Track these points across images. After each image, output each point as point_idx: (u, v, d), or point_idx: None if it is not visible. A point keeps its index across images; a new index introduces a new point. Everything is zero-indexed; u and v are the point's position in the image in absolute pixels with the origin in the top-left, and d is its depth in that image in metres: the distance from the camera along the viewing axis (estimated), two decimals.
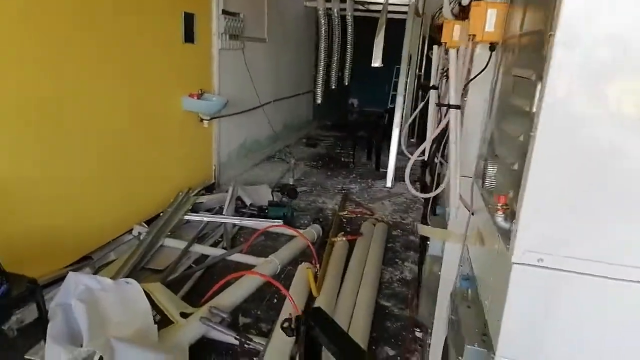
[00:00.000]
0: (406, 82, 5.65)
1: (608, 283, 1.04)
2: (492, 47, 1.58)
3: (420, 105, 2.72)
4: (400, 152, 6.06)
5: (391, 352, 2.77)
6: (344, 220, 4.74)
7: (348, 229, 4.48)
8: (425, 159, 2.28)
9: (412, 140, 8.46)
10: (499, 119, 1.52)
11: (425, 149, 2.29)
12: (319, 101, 6.95)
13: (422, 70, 8.06)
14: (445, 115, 2.33)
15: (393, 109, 6.99)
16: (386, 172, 6.30)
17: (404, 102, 5.63)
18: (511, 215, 1.15)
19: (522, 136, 1.15)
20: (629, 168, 1.02)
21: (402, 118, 5.67)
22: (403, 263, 3.92)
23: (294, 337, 2.63)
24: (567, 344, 1.11)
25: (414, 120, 8.28)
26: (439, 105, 1.96)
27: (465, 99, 1.73)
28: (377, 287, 3.39)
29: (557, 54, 0.99)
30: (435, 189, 2.58)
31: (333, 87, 7.24)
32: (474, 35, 1.54)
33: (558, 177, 1.05)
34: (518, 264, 1.11)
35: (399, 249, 4.19)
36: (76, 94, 3.15)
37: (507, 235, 1.17)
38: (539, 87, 1.06)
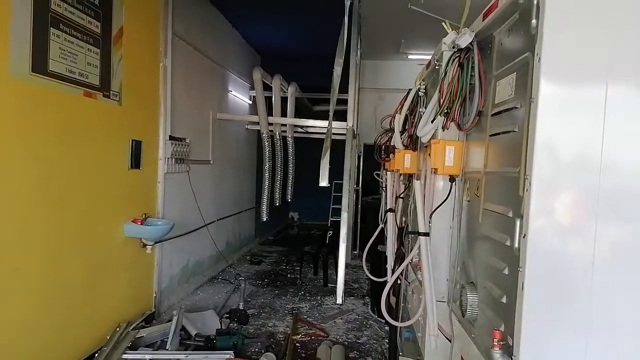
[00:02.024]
0: (348, 198, 5.85)
1: None
2: (452, 179, 1.71)
3: (380, 228, 2.80)
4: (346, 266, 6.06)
5: None
6: (298, 344, 4.48)
7: (303, 355, 4.22)
8: (390, 285, 2.28)
9: (354, 252, 8.57)
10: (469, 246, 1.59)
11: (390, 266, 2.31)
12: (264, 218, 6.97)
13: (359, 185, 8.48)
14: (404, 235, 2.42)
15: (336, 223, 7.15)
16: (334, 288, 6.22)
17: (348, 218, 5.75)
18: (508, 350, 1.15)
19: (506, 269, 1.20)
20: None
21: (347, 232, 5.76)
22: None
23: None
24: None
25: (355, 232, 8.56)
26: (411, 233, 2.03)
27: (430, 225, 1.81)
28: None
29: (535, 194, 1.08)
30: (397, 307, 2.56)
31: (277, 204, 7.34)
32: (436, 169, 1.67)
33: (552, 306, 1.09)
34: None
35: None
36: (16, 218, 2.92)
37: None
38: (517, 223, 1.14)
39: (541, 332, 1.10)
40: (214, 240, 6.47)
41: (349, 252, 7.74)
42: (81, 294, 3.66)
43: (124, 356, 3.67)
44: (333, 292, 6.14)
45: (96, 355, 3.60)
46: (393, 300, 2.46)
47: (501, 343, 1.15)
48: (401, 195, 2.47)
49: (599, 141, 1.11)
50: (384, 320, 5.12)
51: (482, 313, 1.38)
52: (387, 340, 4.67)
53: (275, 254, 8.55)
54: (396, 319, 2.32)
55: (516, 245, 1.14)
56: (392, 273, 2.31)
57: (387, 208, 2.51)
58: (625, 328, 1.11)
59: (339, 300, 5.77)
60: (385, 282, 2.52)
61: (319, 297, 6.06)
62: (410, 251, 1.86)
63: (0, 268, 2.85)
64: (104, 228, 3.96)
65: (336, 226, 7.19)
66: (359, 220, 8.20)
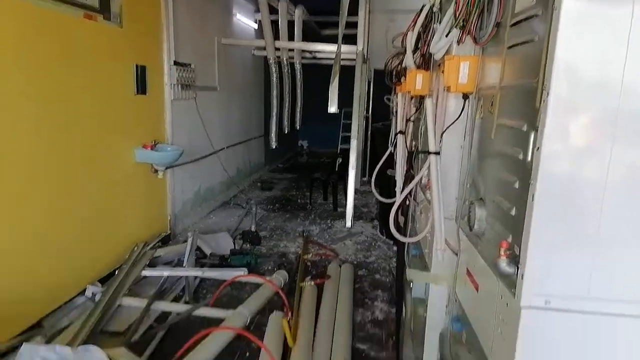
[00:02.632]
0: (358, 125, 5.81)
1: (619, 321, 1.09)
2: (466, 96, 1.67)
3: (388, 151, 2.80)
4: (355, 191, 6.16)
5: None
6: (309, 263, 4.68)
7: (314, 272, 4.43)
8: (398, 203, 2.33)
9: (364, 179, 8.66)
10: (480, 163, 1.59)
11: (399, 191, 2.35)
12: (274, 145, 6.99)
13: (369, 112, 8.37)
14: (414, 158, 2.42)
15: (346, 150, 7.17)
16: (344, 212, 6.37)
17: (357, 144, 5.75)
18: (514, 259, 1.19)
19: (517, 183, 1.21)
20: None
21: (357, 159, 5.79)
22: (373, 303, 3.90)
23: None
24: None
25: (365, 159, 8.59)
26: (422, 152, 2.03)
27: (441, 144, 1.81)
28: (351, 330, 3.33)
29: (552, 107, 1.06)
30: (405, 227, 2.64)
31: (286, 131, 7.32)
32: (449, 87, 1.63)
33: (561, 220, 1.10)
34: (526, 307, 1.14)
35: (367, 288, 4.18)
36: (21, 145, 2.97)
37: (510, 279, 1.21)
38: (532, 137, 1.13)
39: (548, 244, 1.12)
40: (224, 166, 6.55)
41: (358, 179, 7.81)
42: (97, 218, 3.80)
43: (143, 273, 3.87)
44: (342, 216, 6.30)
45: (116, 272, 3.81)
46: (401, 219, 2.53)
47: (508, 252, 1.19)
48: (411, 118, 2.44)
49: (621, 60, 1.06)
50: (392, 241, 5.29)
51: (490, 227, 1.42)
52: (394, 259, 4.86)
53: (285, 181, 8.68)
54: (404, 237, 2.39)
55: (529, 158, 1.14)
56: (401, 192, 2.35)
57: (397, 130, 2.49)
58: (633, 250, 1.12)
59: (349, 224, 5.94)
60: (394, 204, 2.55)
61: (328, 221, 6.22)
62: (420, 170, 1.88)
63: (10, 198, 2.94)
64: (114, 153, 4.01)
65: (345, 154, 7.22)
66: (368, 147, 8.18)
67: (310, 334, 3.17)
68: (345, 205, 6.76)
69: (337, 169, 7.19)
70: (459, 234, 1.73)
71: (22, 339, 2.86)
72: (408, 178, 2.43)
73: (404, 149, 2.50)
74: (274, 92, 6.86)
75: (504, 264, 1.20)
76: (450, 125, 1.71)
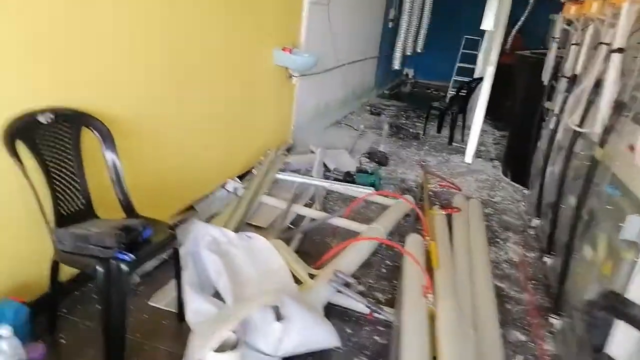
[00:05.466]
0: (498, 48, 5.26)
1: None
2: None
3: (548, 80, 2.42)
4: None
5: (521, 337, 2.60)
6: (431, 193, 4.53)
7: (437, 203, 4.27)
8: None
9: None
10: None
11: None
12: (396, 66, 6.65)
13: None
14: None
15: (471, 82, 6.66)
16: (459, 147, 6.06)
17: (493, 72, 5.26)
18: None
19: None
20: None
21: (489, 90, 5.33)
22: (505, 243, 3.71)
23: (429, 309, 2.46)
24: None
25: (496, 98, 7.87)
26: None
27: None
28: (490, 266, 3.20)
29: None
30: None
31: (409, 53, 6.91)
32: None
33: None
34: None
35: (496, 228, 3.98)
36: (189, 45, 2.97)
37: None
38: None
39: None
40: (344, 84, 6.37)
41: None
42: (243, 115, 3.85)
43: (277, 176, 3.93)
44: (458, 151, 6.00)
45: (252, 171, 3.89)
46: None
47: None
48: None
49: None
50: (517, 184, 4.96)
51: None
52: (522, 203, 4.56)
53: (393, 108, 8.37)
54: None
55: None
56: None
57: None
58: None
59: (469, 160, 5.63)
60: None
61: (444, 154, 5.95)
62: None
63: (189, 74, 2.98)
64: (257, 53, 3.96)
65: (461, 87, 6.74)
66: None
67: (451, 262, 3.07)
68: (460, 140, 6.43)
69: (454, 100, 6.76)
70: None
71: (182, 217, 3.03)
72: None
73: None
74: (406, 6, 6.38)
75: None
76: None
